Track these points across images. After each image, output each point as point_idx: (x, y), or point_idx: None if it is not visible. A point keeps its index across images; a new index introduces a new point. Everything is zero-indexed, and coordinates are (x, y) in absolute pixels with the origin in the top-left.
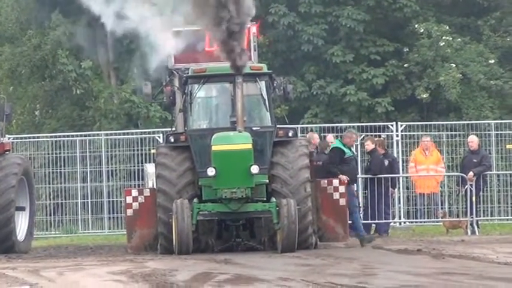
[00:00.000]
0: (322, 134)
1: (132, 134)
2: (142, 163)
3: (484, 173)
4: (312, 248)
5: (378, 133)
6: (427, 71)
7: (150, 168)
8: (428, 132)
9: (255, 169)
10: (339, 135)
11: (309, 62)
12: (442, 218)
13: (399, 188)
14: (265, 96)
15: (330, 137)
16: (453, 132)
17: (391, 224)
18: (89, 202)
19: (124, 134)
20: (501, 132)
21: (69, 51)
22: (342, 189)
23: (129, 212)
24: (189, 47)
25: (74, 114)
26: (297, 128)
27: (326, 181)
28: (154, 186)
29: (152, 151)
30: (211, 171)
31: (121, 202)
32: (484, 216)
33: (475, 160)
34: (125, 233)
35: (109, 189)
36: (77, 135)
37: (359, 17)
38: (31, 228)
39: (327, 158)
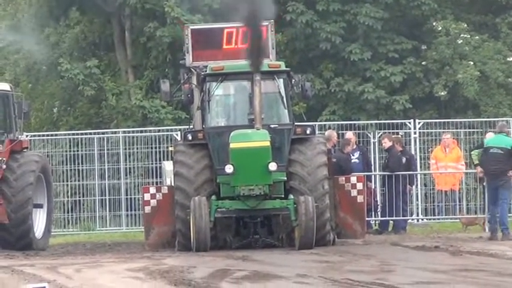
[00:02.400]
0: (340, 132)
1: (149, 131)
2: (160, 160)
3: None
4: (329, 245)
5: (395, 130)
6: (445, 68)
7: (168, 166)
8: (447, 130)
9: (273, 166)
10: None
11: (326, 60)
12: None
13: (417, 185)
14: (283, 94)
15: (350, 134)
16: (471, 130)
17: (409, 221)
18: (107, 199)
19: (141, 131)
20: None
21: (75, 54)
22: (359, 186)
23: (147, 209)
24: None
25: (91, 112)
26: (315, 125)
27: (344, 178)
28: (172, 184)
29: (170, 148)
30: (229, 169)
31: (139, 199)
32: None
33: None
34: (143, 230)
35: (127, 186)
36: (94, 133)
37: (377, 14)
38: (49, 225)
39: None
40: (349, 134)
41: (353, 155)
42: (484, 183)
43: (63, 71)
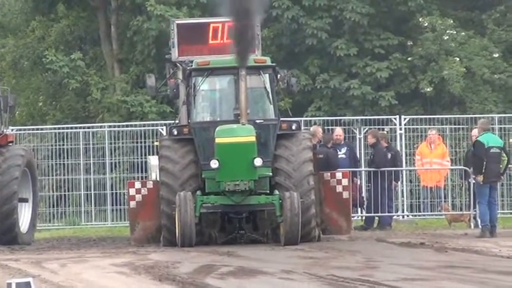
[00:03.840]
0: (325, 127)
1: (135, 126)
2: (145, 155)
3: None
4: (315, 241)
5: (381, 126)
6: (431, 64)
7: (153, 161)
8: (432, 126)
9: (258, 162)
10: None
11: (312, 56)
12: (445, 210)
13: (402, 181)
14: (269, 89)
15: (339, 130)
16: (457, 126)
17: (394, 217)
18: (92, 194)
19: (127, 126)
20: (505, 126)
21: (61, 47)
22: (345, 182)
23: (132, 204)
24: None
25: (77, 106)
26: (301, 121)
27: (329, 174)
28: (158, 179)
29: (155, 143)
30: (214, 164)
31: (124, 194)
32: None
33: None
34: (128, 225)
35: (112, 181)
36: (80, 127)
37: (363, 10)
38: (34, 219)
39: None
40: (338, 130)
41: (340, 151)
42: (475, 181)
43: (48, 63)
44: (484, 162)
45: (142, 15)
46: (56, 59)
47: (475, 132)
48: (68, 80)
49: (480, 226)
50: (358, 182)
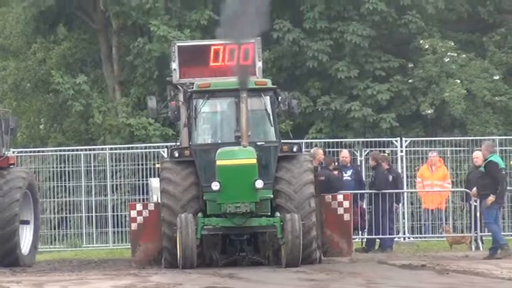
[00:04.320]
0: (326, 150)
1: (136, 148)
2: (146, 177)
3: None
4: (316, 263)
5: (382, 148)
6: (431, 86)
7: (154, 183)
8: (433, 148)
9: (259, 184)
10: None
11: (313, 78)
12: (446, 232)
13: (403, 203)
14: (270, 111)
15: (345, 152)
16: (458, 148)
17: (395, 239)
18: (94, 216)
19: (128, 148)
20: (506, 148)
21: (63, 69)
22: (346, 204)
23: (134, 226)
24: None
25: (81, 128)
26: (302, 143)
27: (330, 196)
28: (159, 201)
29: (157, 165)
30: (215, 186)
31: (125, 216)
32: (488, 232)
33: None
34: (129, 247)
35: (113, 203)
36: (81, 149)
37: (364, 32)
38: (35, 242)
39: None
40: (345, 152)
41: (346, 173)
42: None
43: (55, 84)
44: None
45: (143, 36)
46: (63, 81)
47: (476, 154)
48: (72, 102)
49: (493, 246)
50: (364, 206)
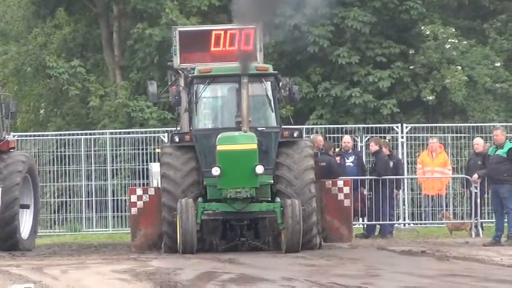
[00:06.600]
0: (327, 135)
1: (136, 133)
2: (147, 162)
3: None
4: (316, 249)
5: (383, 135)
6: (433, 73)
7: (155, 167)
8: (434, 134)
9: (259, 169)
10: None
11: (314, 63)
12: (444, 218)
13: (404, 189)
14: (271, 97)
15: (347, 138)
16: (458, 135)
17: (396, 225)
18: (93, 200)
19: (128, 133)
20: (506, 134)
21: (64, 54)
22: (346, 190)
23: (134, 210)
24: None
25: (82, 112)
26: (302, 128)
27: (331, 182)
28: (159, 185)
29: (157, 150)
30: (216, 171)
31: (125, 201)
32: (488, 219)
33: (480, 162)
34: (129, 231)
35: (113, 187)
36: (81, 134)
37: (365, 18)
38: (35, 226)
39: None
40: (347, 138)
41: (348, 159)
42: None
43: (49, 68)
44: None
45: (143, 22)
46: (57, 65)
47: (477, 140)
48: (68, 86)
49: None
50: (365, 192)
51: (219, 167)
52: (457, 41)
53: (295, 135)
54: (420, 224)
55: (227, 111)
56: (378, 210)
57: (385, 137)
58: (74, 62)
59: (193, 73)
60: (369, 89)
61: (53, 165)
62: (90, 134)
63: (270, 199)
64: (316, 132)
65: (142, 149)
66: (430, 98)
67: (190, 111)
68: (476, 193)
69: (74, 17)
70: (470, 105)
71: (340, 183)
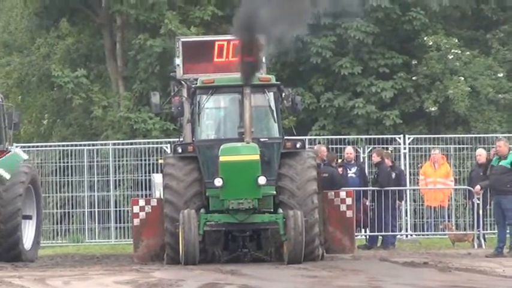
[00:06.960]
0: (330, 146)
1: (139, 143)
2: (149, 173)
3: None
4: (318, 260)
5: (385, 145)
6: (435, 84)
7: (157, 178)
8: (437, 145)
9: (262, 180)
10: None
11: (317, 74)
12: (446, 229)
13: (406, 200)
14: (273, 108)
15: (350, 149)
16: (461, 146)
17: (398, 236)
18: (96, 211)
19: (131, 143)
20: (510, 145)
21: (63, 63)
22: (348, 201)
23: (136, 221)
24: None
25: (86, 123)
26: (305, 139)
27: (333, 193)
28: (162, 196)
29: (160, 161)
30: (218, 182)
31: (128, 212)
32: (490, 230)
33: (482, 173)
34: (132, 242)
35: (116, 198)
36: (84, 145)
37: (368, 29)
38: (38, 236)
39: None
40: (349, 149)
41: (350, 170)
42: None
43: (54, 77)
44: None
45: (144, 33)
46: (62, 74)
47: (480, 151)
48: (72, 95)
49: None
50: (368, 203)
51: (221, 177)
52: (459, 52)
53: (297, 146)
54: (422, 235)
55: (230, 122)
56: (380, 221)
57: (387, 148)
58: (78, 72)
59: (196, 84)
60: (371, 99)
61: (56, 176)
62: (93, 145)
63: (272, 210)
64: (319, 142)
65: (145, 160)
66: (433, 108)
67: (193, 121)
68: (478, 204)
69: (77, 27)
70: (472, 116)
71: (342, 194)
